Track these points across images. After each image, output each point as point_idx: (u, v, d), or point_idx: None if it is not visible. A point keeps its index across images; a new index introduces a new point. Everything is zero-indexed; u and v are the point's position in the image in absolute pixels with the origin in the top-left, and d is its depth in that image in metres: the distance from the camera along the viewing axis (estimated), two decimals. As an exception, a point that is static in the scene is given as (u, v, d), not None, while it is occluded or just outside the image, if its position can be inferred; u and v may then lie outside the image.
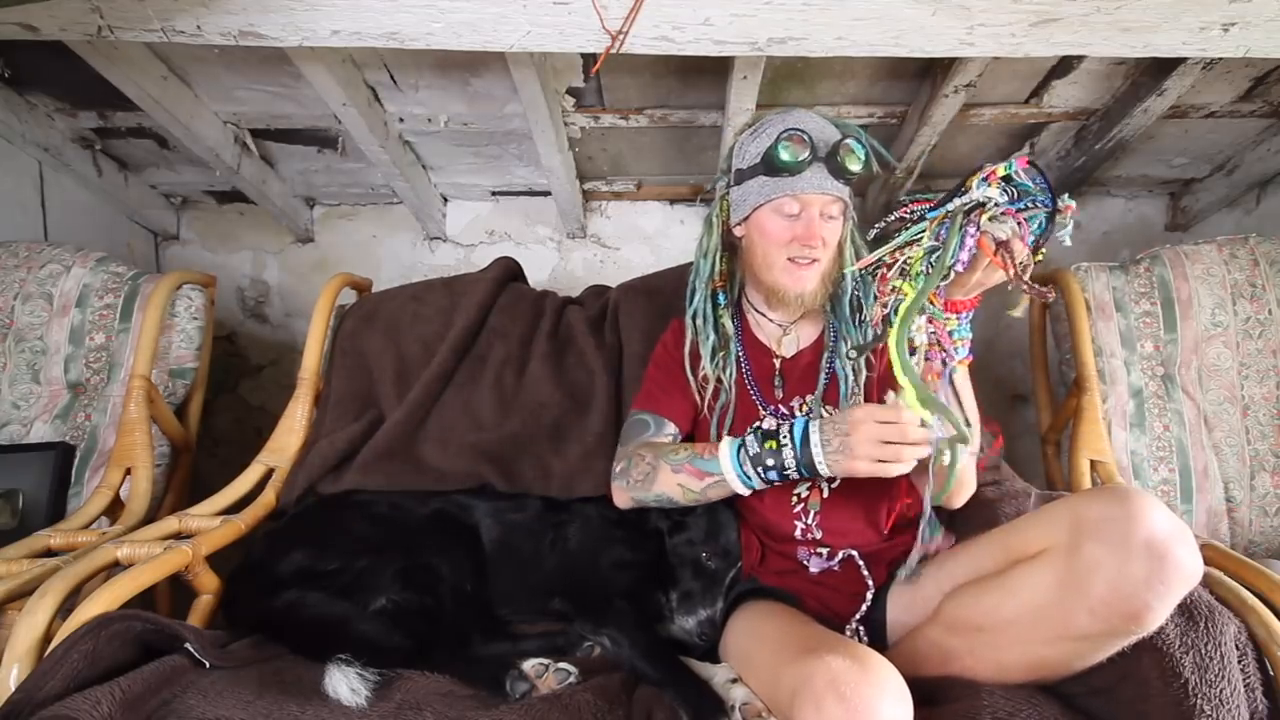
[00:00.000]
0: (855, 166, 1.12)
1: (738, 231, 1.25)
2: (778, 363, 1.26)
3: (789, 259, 1.16)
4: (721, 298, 1.29)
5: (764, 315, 1.29)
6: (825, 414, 1.19)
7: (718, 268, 1.29)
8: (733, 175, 1.23)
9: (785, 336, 1.27)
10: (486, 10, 1.20)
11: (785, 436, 1.04)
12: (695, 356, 1.27)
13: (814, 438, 1.02)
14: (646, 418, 1.26)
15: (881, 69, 1.65)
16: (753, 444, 1.07)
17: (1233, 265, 1.58)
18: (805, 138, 1.11)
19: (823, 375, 1.23)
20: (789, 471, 1.04)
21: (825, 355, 1.24)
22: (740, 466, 1.07)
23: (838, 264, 1.21)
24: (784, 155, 1.11)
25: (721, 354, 1.26)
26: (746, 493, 1.10)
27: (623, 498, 1.22)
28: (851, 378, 1.21)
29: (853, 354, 1.21)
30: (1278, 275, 1.56)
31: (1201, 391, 1.56)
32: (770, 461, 1.04)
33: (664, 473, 1.15)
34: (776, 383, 1.25)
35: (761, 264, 1.20)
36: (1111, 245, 2.25)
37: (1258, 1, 1.19)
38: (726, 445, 1.09)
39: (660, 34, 1.23)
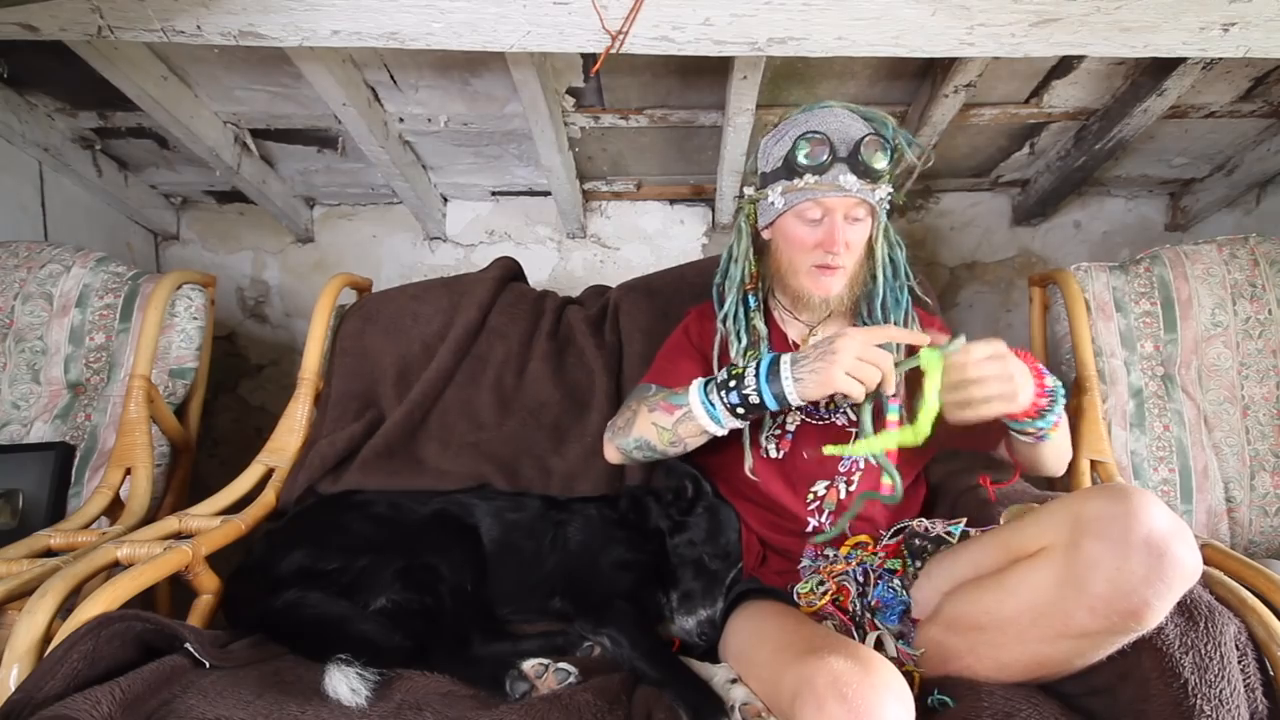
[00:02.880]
0: (880, 165, 1.10)
1: (765, 235, 1.24)
2: None
3: (814, 265, 1.16)
4: (753, 300, 1.27)
5: (791, 314, 1.28)
6: (849, 417, 1.20)
7: (748, 271, 1.26)
8: (758, 179, 1.22)
9: (812, 337, 1.26)
10: (486, 10, 1.20)
11: (751, 364, 1.04)
12: (725, 355, 1.25)
13: (784, 369, 1.01)
14: (651, 386, 1.24)
15: (881, 69, 1.65)
16: (721, 374, 1.07)
17: (1233, 265, 1.58)
18: (824, 139, 1.09)
19: None
20: (750, 394, 1.03)
21: None
22: (705, 395, 1.07)
23: (866, 265, 1.20)
24: (803, 159, 1.10)
25: (752, 352, 1.24)
26: (714, 427, 1.08)
27: (610, 450, 1.23)
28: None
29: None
30: (1278, 275, 1.56)
31: (1201, 391, 1.56)
32: (732, 385, 1.04)
33: (641, 415, 1.15)
34: None
35: (787, 269, 1.20)
36: (1111, 245, 2.25)
37: (1258, 1, 1.19)
38: (698, 379, 1.10)
39: (660, 34, 1.23)
